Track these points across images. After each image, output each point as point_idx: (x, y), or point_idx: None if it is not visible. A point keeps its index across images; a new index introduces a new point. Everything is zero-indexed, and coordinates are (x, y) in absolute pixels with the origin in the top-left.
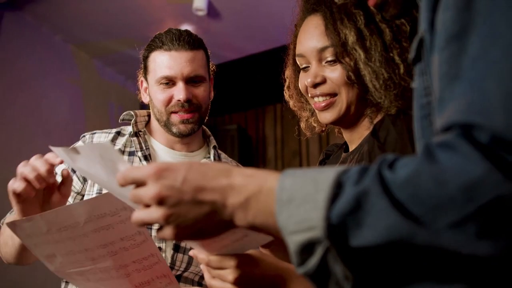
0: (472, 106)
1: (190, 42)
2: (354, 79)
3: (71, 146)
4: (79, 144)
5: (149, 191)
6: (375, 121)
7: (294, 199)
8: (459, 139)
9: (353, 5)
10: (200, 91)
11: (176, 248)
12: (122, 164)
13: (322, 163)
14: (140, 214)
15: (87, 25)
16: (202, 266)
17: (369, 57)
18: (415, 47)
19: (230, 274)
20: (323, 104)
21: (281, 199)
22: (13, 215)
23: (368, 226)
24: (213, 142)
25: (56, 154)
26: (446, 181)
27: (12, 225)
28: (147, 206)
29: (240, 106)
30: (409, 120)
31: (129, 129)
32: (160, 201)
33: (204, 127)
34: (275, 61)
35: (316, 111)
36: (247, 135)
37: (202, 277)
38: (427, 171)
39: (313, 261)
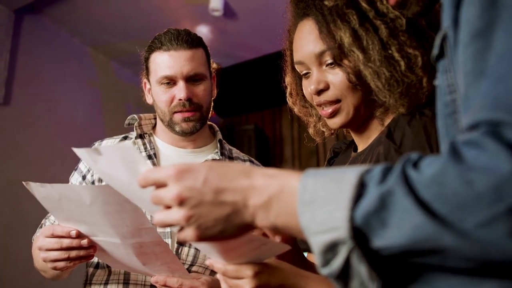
0: (499, 103)
1: (188, 41)
2: (356, 81)
3: (93, 147)
4: None
5: (170, 192)
6: (385, 122)
7: (316, 199)
8: (485, 136)
9: (344, 5)
10: (201, 89)
11: (181, 242)
12: (143, 166)
13: (331, 161)
14: (161, 216)
15: (104, 27)
16: (219, 276)
17: (368, 57)
18: (438, 44)
19: (247, 284)
20: (329, 111)
21: (304, 199)
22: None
23: (393, 226)
24: (219, 136)
25: (79, 155)
26: (473, 180)
27: (29, 186)
28: (168, 207)
29: (257, 106)
30: (426, 120)
31: (134, 133)
32: (181, 202)
33: (212, 123)
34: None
35: (324, 118)
36: (264, 135)
37: (212, 272)
38: (453, 169)
39: (338, 262)
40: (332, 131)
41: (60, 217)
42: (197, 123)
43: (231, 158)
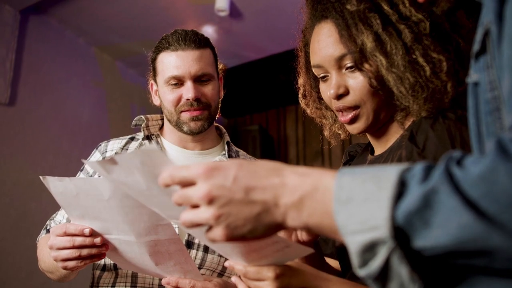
0: None
1: (196, 41)
2: (377, 85)
3: (107, 158)
4: (95, 154)
5: (199, 190)
6: (405, 125)
7: (354, 198)
8: None
9: (366, 9)
10: (209, 89)
11: (189, 245)
12: (168, 166)
13: (346, 164)
14: (189, 215)
15: (110, 27)
16: (234, 278)
17: (391, 62)
18: (480, 39)
19: (268, 285)
20: (349, 117)
21: (340, 198)
22: (47, 236)
23: (437, 226)
24: (227, 138)
25: (90, 167)
26: None
27: (46, 181)
28: (195, 206)
29: (262, 106)
30: (449, 123)
31: (141, 134)
32: (210, 201)
33: (219, 125)
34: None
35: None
36: (268, 135)
37: (219, 275)
38: (503, 168)
39: (377, 262)
40: (347, 134)
41: (74, 214)
42: (205, 122)
43: None
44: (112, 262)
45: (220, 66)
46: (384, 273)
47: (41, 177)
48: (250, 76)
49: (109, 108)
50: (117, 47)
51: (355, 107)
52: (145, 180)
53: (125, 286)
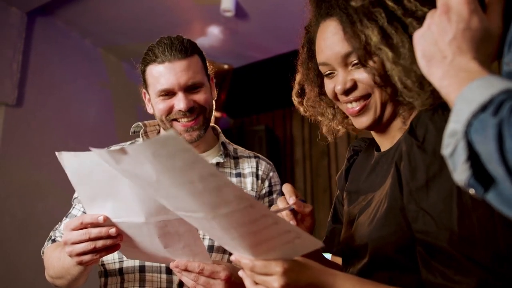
0: None
1: (182, 50)
2: (381, 82)
3: (118, 147)
4: None
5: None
6: (408, 121)
7: (468, 98)
8: None
9: (370, 4)
10: (201, 96)
11: None
12: (188, 154)
13: (350, 160)
14: None
15: (115, 28)
16: (241, 273)
17: (398, 54)
18: None
19: (276, 281)
20: (357, 109)
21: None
22: (53, 244)
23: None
24: (222, 139)
25: (98, 155)
26: None
27: (61, 156)
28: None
29: (268, 107)
30: (448, 115)
31: (141, 140)
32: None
33: (215, 125)
34: None
35: (350, 117)
36: (274, 135)
37: None
38: None
39: (451, 145)
40: (355, 132)
41: (85, 195)
42: (201, 131)
43: (236, 158)
44: (117, 267)
45: (226, 67)
46: (453, 156)
47: (56, 152)
48: (256, 77)
49: (115, 108)
50: (123, 48)
51: (366, 96)
52: (155, 172)
53: (134, 286)
